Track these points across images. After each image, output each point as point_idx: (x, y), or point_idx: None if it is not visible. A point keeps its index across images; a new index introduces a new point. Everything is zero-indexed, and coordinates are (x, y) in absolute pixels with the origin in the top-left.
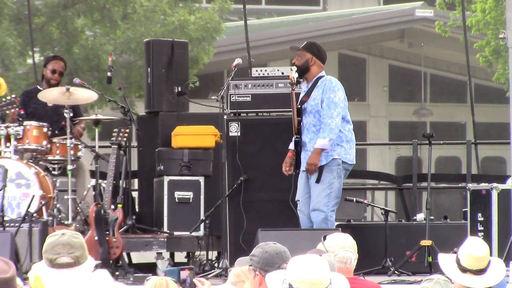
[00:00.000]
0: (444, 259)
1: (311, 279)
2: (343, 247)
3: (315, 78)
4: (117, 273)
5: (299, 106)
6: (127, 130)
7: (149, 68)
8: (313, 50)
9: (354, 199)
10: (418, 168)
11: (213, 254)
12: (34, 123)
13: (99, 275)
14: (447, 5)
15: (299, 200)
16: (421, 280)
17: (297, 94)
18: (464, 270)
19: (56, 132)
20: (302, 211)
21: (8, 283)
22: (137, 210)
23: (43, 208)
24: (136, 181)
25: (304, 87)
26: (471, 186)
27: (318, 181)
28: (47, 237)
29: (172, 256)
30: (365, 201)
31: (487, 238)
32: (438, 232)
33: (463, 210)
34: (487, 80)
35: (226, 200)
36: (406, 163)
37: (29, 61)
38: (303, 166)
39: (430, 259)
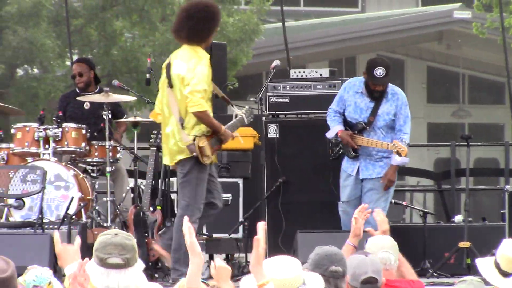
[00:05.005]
0: (483, 264)
1: (281, 279)
2: (382, 248)
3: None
4: (156, 275)
5: (371, 119)
6: None
7: None
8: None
9: (393, 200)
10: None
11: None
12: (72, 125)
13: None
14: (484, 7)
15: (344, 201)
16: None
17: (333, 96)
18: (505, 274)
19: (95, 134)
20: (347, 212)
21: (6, 283)
22: (176, 212)
23: (82, 210)
24: (175, 183)
25: (362, 97)
26: (509, 187)
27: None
28: (99, 235)
29: (211, 258)
30: (404, 203)
31: None
32: (477, 234)
33: (502, 211)
34: None
35: (265, 202)
36: (445, 164)
37: (68, 63)
38: (359, 173)
39: (468, 261)
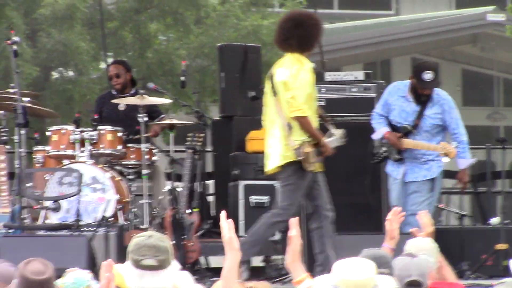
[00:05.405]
0: None
1: (355, 281)
2: (421, 250)
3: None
4: (194, 277)
5: (417, 122)
6: (202, 135)
7: (222, 73)
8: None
9: None
10: (492, 173)
11: None
12: (108, 127)
13: (181, 276)
14: None
15: (394, 206)
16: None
17: (371, 99)
18: None
19: (131, 136)
20: None
21: (44, 285)
22: (212, 214)
23: (119, 212)
24: (211, 185)
25: (407, 101)
26: None
27: (432, 190)
28: (133, 237)
29: (248, 260)
30: (441, 205)
31: None
32: None
33: None
34: None
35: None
36: (481, 167)
37: (102, 65)
38: (404, 176)
39: (505, 263)
